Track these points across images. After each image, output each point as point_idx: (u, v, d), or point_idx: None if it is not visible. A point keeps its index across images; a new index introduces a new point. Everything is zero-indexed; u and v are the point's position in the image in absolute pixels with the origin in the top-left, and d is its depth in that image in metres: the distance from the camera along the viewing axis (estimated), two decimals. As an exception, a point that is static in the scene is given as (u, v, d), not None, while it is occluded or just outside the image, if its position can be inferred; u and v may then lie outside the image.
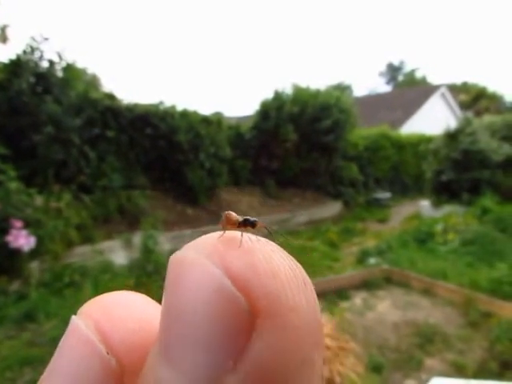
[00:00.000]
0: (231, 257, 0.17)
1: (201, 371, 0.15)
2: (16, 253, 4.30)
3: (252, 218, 0.25)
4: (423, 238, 6.04)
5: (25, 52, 5.77)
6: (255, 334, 0.16)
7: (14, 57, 5.68)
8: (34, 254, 4.56)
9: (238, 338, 0.16)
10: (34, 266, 4.64)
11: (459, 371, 2.83)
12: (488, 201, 7.07)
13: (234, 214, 0.25)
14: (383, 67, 45.97)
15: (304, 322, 0.17)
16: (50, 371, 0.20)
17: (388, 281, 4.58)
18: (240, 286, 0.16)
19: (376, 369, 2.87)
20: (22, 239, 4.31)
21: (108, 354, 0.19)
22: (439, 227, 6.13)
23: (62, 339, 0.20)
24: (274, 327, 0.16)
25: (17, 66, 5.65)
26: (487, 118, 9.17)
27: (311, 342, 0.17)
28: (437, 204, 8.33)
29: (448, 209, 7.49)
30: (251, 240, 0.20)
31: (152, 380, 0.16)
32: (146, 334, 0.20)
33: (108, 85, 15.74)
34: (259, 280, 0.16)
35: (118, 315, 0.20)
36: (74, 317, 0.20)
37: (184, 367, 0.16)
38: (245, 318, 0.16)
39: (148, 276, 4.48)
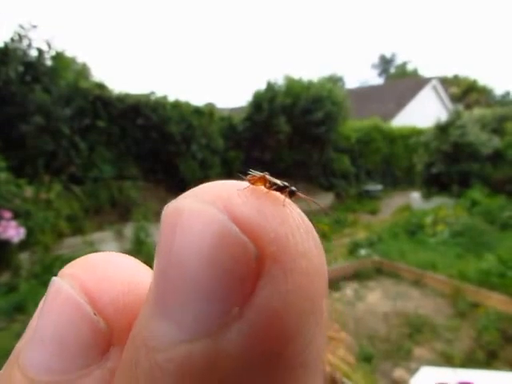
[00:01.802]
0: (236, 202, 0.16)
1: (202, 321, 0.15)
2: (5, 244, 4.26)
3: (292, 187, 0.22)
4: (413, 230, 6.11)
5: (12, 40, 5.65)
6: (263, 279, 0.15)
7: (1, 45, 5.55)
8: (24, 245, 4.51)
9: (246, 283, 0.15)
10: (24, 257, 4.60)
11: (447, 361, 2.88)
12: (477, 193, 7.16)
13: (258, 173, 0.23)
14: (376, 59, 45.96)
15: (314, 267, 0.16)
16: (31, 335, 0.19)
17: (379, 272, 4.63)
18: (247, 231, 0.15)
19: (366, 358, 2.91)
20: (12, 230, 4.26)
21: (96, 315, 0.18)
22: (429, 219, 6.19)
23: (41, 302, 0.19)
24: (284, 272, 0.15)
25: (4, 55, 5.53)
26: (477, 111, 9.24)
27: (320, 288, 0.16)
28: (427, 196, 8.41)
29: (438, 201, 7.56)
30: (256, 188, 0.19)
31: (144, 336, 0.15)
32: (136, 297, 0.19)
33: (98, 74, 15.52)
34: (268, 225, 0.16)
35: (105, 276, 0.19)
36: (55, 278, 0.19)
37: (182, 318, 0.15)
38: (253, 263, 0.15)
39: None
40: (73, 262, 0.20)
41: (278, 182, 0.22)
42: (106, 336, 0.18)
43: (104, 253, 0.21)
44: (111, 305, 0.19)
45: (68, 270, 0.20)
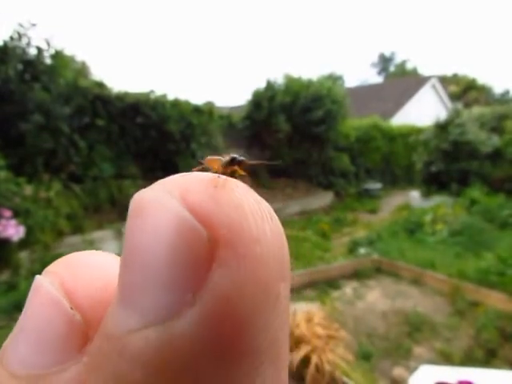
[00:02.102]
0: (192, 190, 0.17)
1: (157, 307, 0.15)
2: (5, 243, 4.26)
3: (239, 157, 0.22)
4: (413, 229, 6.12)
5: (12, 38, 5.63)
6: (215, 264, 0.15)
7: (0, 43, 5.54)
8: (24, 244, 4.51)
9: (199, 269, 0.15)
10: (24, 256, 4.60)
11: (447, 359, 2.89)
12: (476, 192, 7.17)
13: (215, 157, 0.23)
14: (375, 58, 45.92)
15: (267, 252, 0.16)
16: (14, 333, 0.19)
17: (378, 270, 4.64)
18: (200, 217, 0.15)
19: (365, 357, 2.92)
20: (11, 229, 4.26)
21: (72, 309, 0.18)
22: (428, 218, 6.20)
23: (27, 299, 0.20)
24: (235, 257, 0.15)
25: (3, 53, 5.52)
26: (476, 110, 9.23)
27: (275, 273, 0.16)
28: (426, 195, 8.42)
29: (437, 199, 7.57)
30: (216, 177, 0.19)
31: (107, 323, 0.16)
32: (112, 290, 0.19)
33: (97, 73, 15.49)
34: (220, 210, 0.16)
35: (82, 273, 0.20)
36: (37, 276, 0.20)
37: (140, 306, 0.15)
38: (205, 248, 0.15)
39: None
40: (55, 262, 0.21)
41: (227, 157, 0.23)
42: (82, 330, 0.18)
43: (85, 251, 0.22)
44: (88, 299, 0.19)
45: (50, 268, 0.20)
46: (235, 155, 0.22)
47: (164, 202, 0.16)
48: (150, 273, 0.15)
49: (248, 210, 0.16)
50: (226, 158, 0.23)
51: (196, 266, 0.15)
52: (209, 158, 0.23)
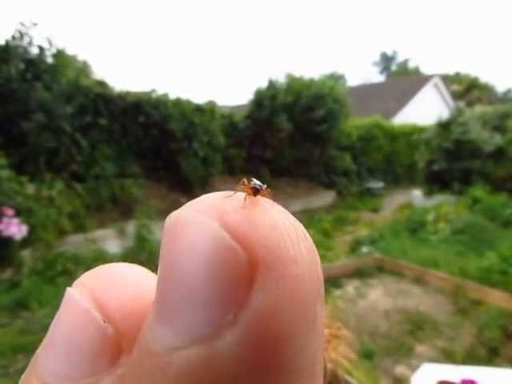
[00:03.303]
0: (228, 211, 0.17)
1: (198, 326, 0.15)
2: (8, 241, 4.28)
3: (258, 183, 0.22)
4: (415, 227, 6.10)
5: (13, 37, 5.65)
6: (256, 285, 0.15)
7: (2, 42, 5.55)
8: (26, 242, 4.53)
9: (238, 290, 0.15)
10: (26, 254, 4.61)
11: (449, 357, 2.89)
12: (479, 190, 7.15)
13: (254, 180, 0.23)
14: (377, 57, 45.85)
15: (304, 272, 0.16)
16: (45, 343, 0.19)
17: (380, 269, 4.64)
18: (238, 238, 0.16)
19: (367, 355, 2.91)
20: (14, 227, 4.28)
21: (104, 321, 0.19)
22: (430, 216, 6.19)
23: (58, 311, 0.20)
24: (274, 278, 0.15)
25: (5, 52, 5.53)
26: (479, 108, 9.21)
27: (312, 292, 0.16)
28: (428, 193, 8.40)
29: (439, 198, 7.55)
30: (249, 197, 0.19)
31: (146, 338, 0.16)
32: (143, 302, 0.20)
33: (99, 72, 15.51)
34: (258, 231, 0.16)
35: (113, 284, 0.20)
36: (68, 288, 0.20)
37: (179, 323, 0.15)
38: (244, 269, 0.15)
39: (142, 265, 4.47)
40: (85, 273, 0.21)
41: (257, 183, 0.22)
42: (115, 342, 0.19)
43: (114, 263, 0.22)
44: (119, 312, 0.19)
45: (80, 279, 0.21)
46: (258, 183, 0.22)
47: (202, 222, 0.16)
48: (189, 291, 0.15)
49: (284, 230, 0.17)
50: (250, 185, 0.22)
51: (236, 287, 0.15)
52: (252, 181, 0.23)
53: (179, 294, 0.15)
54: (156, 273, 0.18)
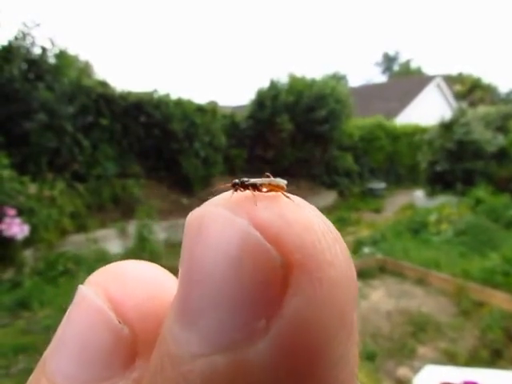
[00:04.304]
0: (257, 208, 0.16)
1: (226, 332, 0.14)
2: (9, 241, 4.28)
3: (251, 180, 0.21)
4: (417, 228, 6.08)
5: (16, 38, 5.66)
6: (291, 289, 0.14)
7: (5, 43, 5.57)
8: (28, 242, 4.53)
9: (270, 293, 0.14)
10: (28, 254, 4.62)
11: (451, 359, 2.87)
12: (481, 191, 7.12)
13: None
14: (379, 57, 45.81)
15: (342, 276, 0.15)
16: (56, 342, 0.19)
17: (382, 270, 4.62)
18: (270, 238, 0.14)
19: (370, 357, 2.90)
20: (16, 227, 4.28)
21: (120, 322, 0.18)
22: (433, 217, 6.17)
23: (68, 309, 0.19)
24: (311, 282, 0.14)
25: (8, 52, 5.54)
26: (482, 109, 9.18)
27: (350, 297, 0.15)
28: (431, 194, 8.38)
29: (442, 199, 7.53)
30: (276, 194, 0.18)
31: (168, 343, 0.15)
32: (159, 302, 0.19)
33: (101, 72, 15.54)
34: (291, 231, 0.15)
35: (128, 283, 0.19)
36: (81, 286, 0.19)
37: (202, 328, 0.14)
38: (278, 272, 0.14)
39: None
40: (97, 271, 0.20)
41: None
42: (131, 344, 0.18)
43: (128, 261, 0.21)
44: (135, 311, 0.18)
45: (92, 277, 0.20)
46: (281, 181, 0.21)
47: (229, 220, 0.15)
48: (216, 293, 0.14)
49: (319, 230, 0.15)
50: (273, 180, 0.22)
51: (268, 290, 0.14)
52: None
53: (204, 296, 0.14)
54: None
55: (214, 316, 0.14)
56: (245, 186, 0.21)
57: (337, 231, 0.17)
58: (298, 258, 0.14)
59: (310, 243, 0.15)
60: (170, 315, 0.15)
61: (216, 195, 0.19)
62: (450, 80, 20.10)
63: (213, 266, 0.14)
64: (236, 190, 0.21)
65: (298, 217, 0.15)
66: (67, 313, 0.19)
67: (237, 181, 0.21)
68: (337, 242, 0.16)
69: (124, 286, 0.19)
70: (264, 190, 0.21)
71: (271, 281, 0.14)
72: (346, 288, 0.15)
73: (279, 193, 0.19)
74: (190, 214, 0.17)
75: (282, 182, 0.22)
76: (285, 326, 0.14)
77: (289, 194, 0.19)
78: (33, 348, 3.01)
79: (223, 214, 0.15)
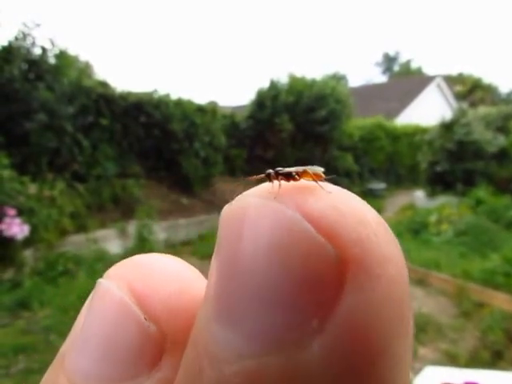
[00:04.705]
0: (308, 199, 0.15)
1: (275, 332, 0.13)
2: (9, 241, 4.27)
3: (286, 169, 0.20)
4: (417, 229, 6.08)
5: (16, 38, 5.65)
6: (348, 286, 0.13)
7: (5, 43, 5.56)
8: (28, 242, 4.53)
9: (326, 291, 0.13)
10: (28, 254, 4.61)
11: (452, 360, 2.87)
12: (482, 192, 7.11)
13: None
14: (379, 57, 45.83)
15: (399, 273, 0.14)
16: (76, 340, 0.18)
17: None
18: (324, 231, 0.13)
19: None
20: (16, 227, 4.27)
21: (146, 319, 0.17)
22: (433, 218, 6.16)
23: (87, 305, 0.18)
24: (369, 279, 0.13)
25: (8, 53, 5.54)
26: (482, 109, 9.17)
27: (407, 295, 0.14)
28: (431, 194, 8.37)
29: (442, 199, 7.52)
30: (324, 185, 0.17)
31: (206, 343, 0.14)
32: (188, 297, 0.18)
33: (101, 73, 15.54)
34: (347, 224, 0.14)
35: (153, 277, 0.18)
36: (101, 280, 0.18)
37: (251, 327, 0.13)
38: (333, 268, 0.13)
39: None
40: (119, 263, 0.19)
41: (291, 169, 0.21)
42: (158, 342, 0.17)
43: (150, 254, 0.20)
44: (162, 307, 0.17)
45: (114, 270, 0.19)
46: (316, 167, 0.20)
47: (278, 211, 0.14)
48: (264, 292, 0.13)
49: (374, 223, 0.14)
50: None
51: (323, 287, 0.13)
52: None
53: (251, 293, 0.13)
54: None
55: (262, 313, 0.13)
56: (280, 176, 0.20)
57: (387, 224, 0.16)
58: (356, 253, 0.13)
59: (367, 237, 0.14)
60: (205, 311, 0.14)
61: (243, 189, 0.18)
62: (450, 80, 20.11)
63: (261, 261, 0.13)
64: (270, 181, 0.19)
65: (351, 208, 0.15)
66: (87, 307, 0.18)
67: (271, 171, 0.20)
68: (390, 235, 0.15)
69: (149, 280, 0.18)
70: (300, 179, 0.20)
71: (326, 277, 0.13)
72: (403, 285, 0.14)
73: (319, 181, 0.18)
74: (228, 205, 0.16)
75: (319, 169, 0.21)
76: (342, 326, 0.13)
77: (327, 183, 0.18)
78: (33, 348, 3.01)
79: (272, 205, 0.14)
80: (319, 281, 0.13)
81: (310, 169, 0.20)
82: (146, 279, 0.18)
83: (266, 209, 0.14)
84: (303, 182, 0.19)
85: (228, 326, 0.13)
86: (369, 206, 0.16)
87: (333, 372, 0.13)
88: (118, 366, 0.16)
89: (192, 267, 0.20)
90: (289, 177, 0.20)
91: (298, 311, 0.13)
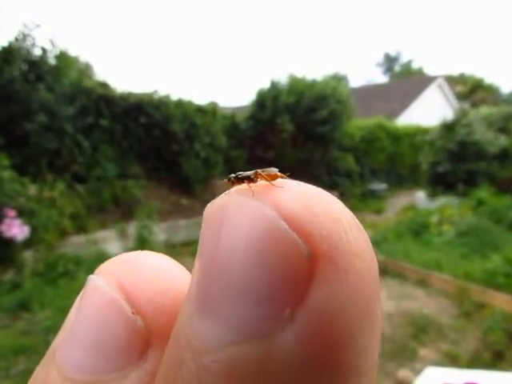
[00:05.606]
0: (284, 198, 0.15)
1: (252, 321, 0.14)
2: (9, 242, 4.27)
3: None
4: (418, 230, 6.06)
5: (17, 39, 5.66)
6: (317, 280, 0.14)
7: (5, 44, 5.57)
8: (28, 243, 4.53)
9: (298, 284, 0.14)
10: (28, 255, 4.61)
11: (453, 361, 2.85)
12: (483, 192, 7.09)
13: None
14: (380, 57, 45.80)
15: (367, 268, 0.15)
16: (67, 333, 0.18)
17: (383, 272, 4.60)
18: (297, 228, 0.14)
19: (370, 359, 2.88)
20: (16, 228, 4.27)
21: (133, 314, 0.18)
22: (434, 218, 6.14)
23: (79, 299, 0.19)
24: (337, 273, 0.14)
25: (8, 53, 5.55)
26: (484, 110, 9.16)
27: (375, 289, 0.15)
28: (432, 195, 8.35)
29: (443, 200, 7.50)
30: (300, 184, 0.18)
31: (188, 335, 0.14)
32: (174, 295, 0.19)
33: (101, 73, 15.56)
34: (318, 222, 0.15)
35: (142, 274, 0.19)
36: (91, 276, 0.19)
37: (229, 318, 0.14)
38: (304, 262, 0.14)
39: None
40: (109, 260, 0.20)
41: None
42: (144, 336, 0.18)
43: (140, 251, 0.21)
44: (149, 303, 0.18)
45: (104, 267, 0.20)
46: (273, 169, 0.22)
47: (256, 209, 0.15)
48: (242, 284, 0.14)
49: (345, 221, 0.16)
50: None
51: (294, 280, 0.14)
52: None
53: (229, 286, 0.14)
54: None
55: (241, 305, 0.14)
56: (239, 180, 0.21)
57: (360, 224, 0.17)
58: (325, 249, 0.14)
59: (337, 234, 0.15)
60: (187, 306, 0.15)
61: (221, 189, 0.19)
62: (451, 80, 20.10)
63: (239, 254, 0.14)
64: (233, 184, 0.21)
65: (324, 208, 0.15)
66: (78, 303, 0.19)
67: (231, 175, 0.22)
68: (361, 233, 0.16)
69: (137, 277, 0.19)
70: (258, 180, 0.21)
71: (298, 271, 0.14)
72: (370, 279, 0.15)
73: (276, 180, 0.19)
74: (210, 203, 0.17)
75: (273, 170, 0.22)
76: (310, 316, 0.14)
77: (288, 180, 0.19)
78: (33, 349, 3.01)
79: (251, 203, 0.15)
80: (292, 275, 0.14)
81: (265, 170, 0.22)
82: (135, 276, 0.19)
83: (246, 207, 0.15)
84: (261, 183, 0.21)
85: (208, 318, 0.14)
86: (342, 204, 0.17)
87: (302, 358, 0.14)
88: (107, 358, 0.17)
89: (180, 265, 0.21)
90: (248, 180, 0.21)
91: (272, 302, 0.14)
